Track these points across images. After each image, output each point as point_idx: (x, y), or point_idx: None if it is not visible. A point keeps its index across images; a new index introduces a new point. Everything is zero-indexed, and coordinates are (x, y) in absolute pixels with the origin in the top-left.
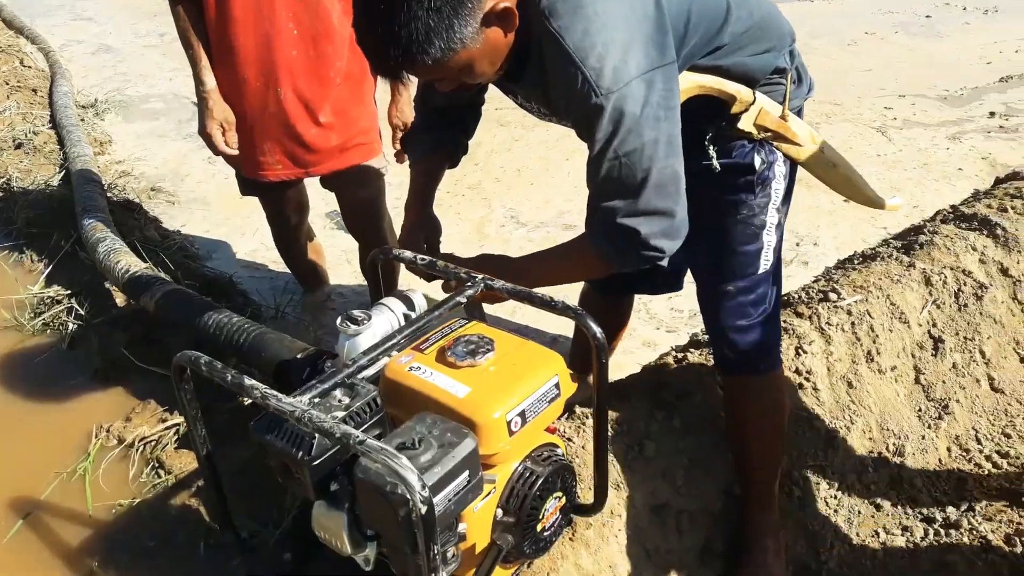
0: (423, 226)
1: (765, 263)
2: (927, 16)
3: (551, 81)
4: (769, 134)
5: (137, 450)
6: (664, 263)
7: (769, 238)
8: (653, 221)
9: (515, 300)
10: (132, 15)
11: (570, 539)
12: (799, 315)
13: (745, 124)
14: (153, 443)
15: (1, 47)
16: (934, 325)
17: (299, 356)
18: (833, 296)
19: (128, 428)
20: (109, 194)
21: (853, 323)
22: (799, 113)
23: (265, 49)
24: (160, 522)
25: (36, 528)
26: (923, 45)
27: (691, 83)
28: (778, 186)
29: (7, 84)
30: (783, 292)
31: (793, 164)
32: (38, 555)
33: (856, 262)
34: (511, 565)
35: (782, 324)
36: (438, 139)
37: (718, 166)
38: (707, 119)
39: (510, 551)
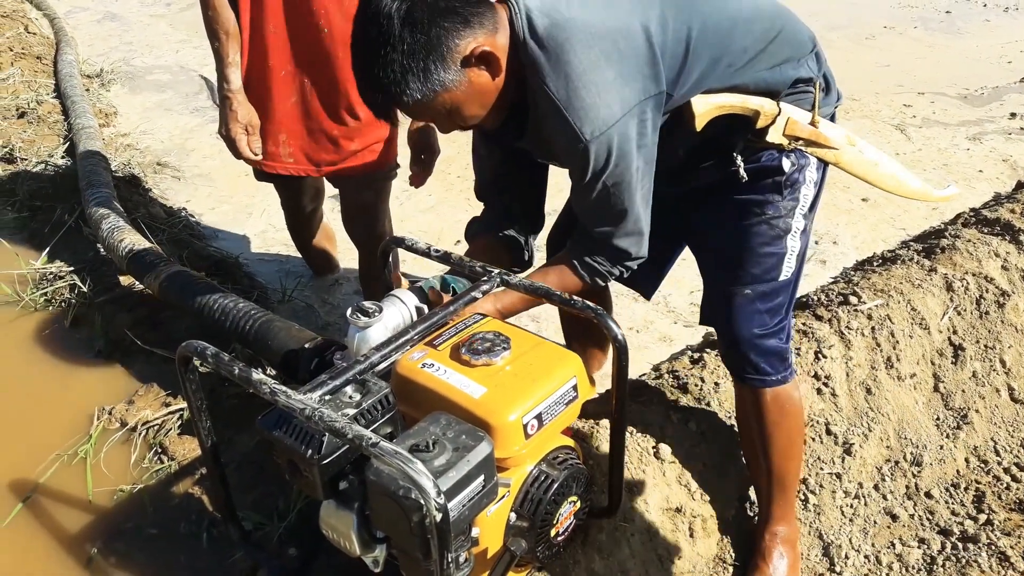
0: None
1: (787, 270)
2: (947, 12)
3: (547, 131)
4: (801, 141)
5: (139, 434)
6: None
7: (793, 243)
8: (638, 238)
9: (533, 296)
10: None
11: (583, 543)
12: (819, 318)
13: (774, 136)
14: (156, 427)
15: (5, 12)
16: (954, 332)
17: (307, 346)
18: (853, 299)
19: (131, 411)
20: (114, 168)
21: (873, 328)
22: (831, 119)
23: (295, 40)
24: (162, 510)
25: (36, 512)
26: (942, 41)
27: (710, 105)
28: (807, 191)
29: (11, 50)
30: (801, 292)
31: (824, 172)
32: (38, 540)
33: (876, 264)
34: (523, 569)
35: (801, 326)
36: (494, 223)
37: (745, 175)
38: (734, 134)
39: (523, 555)
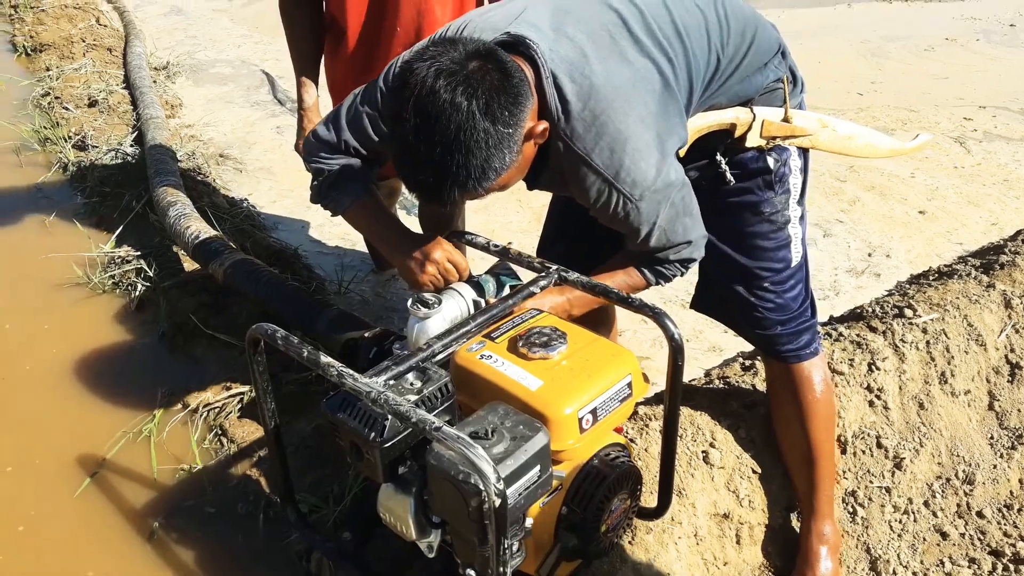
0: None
1: (796, 254)
2: (1011, 25)
3: (576, 188)
4: (777, 139)
5: (201, 416)
6: None
7: (794, 230)
8: (699, 244)
9: (590, 293)
10: None
11: (630, 542)
12: (873, 330)
13: (752, 141)
14: (217, 410)
15: (78, 4)
16: (1012, 350)
17: (366, 335)
18: (908, 312)
19: (192, 393)
20: (179, 158)
21: (928, 342)
22: (800, 107)
23: (375, 39)
24: (221, 490)
25: (103, 485)
26: (1006, 55)
27: (690, 132)
28: (796, 180)
29: (83, 41)
30: (855, 304)
31: (806, 156)
32: (104, 512)
33: (932, 278)
34: (572, 562)
35: (855, 337)
36: (366, 178)
37: (732, 179)
38: (714, 142)
39: (573, 549)
